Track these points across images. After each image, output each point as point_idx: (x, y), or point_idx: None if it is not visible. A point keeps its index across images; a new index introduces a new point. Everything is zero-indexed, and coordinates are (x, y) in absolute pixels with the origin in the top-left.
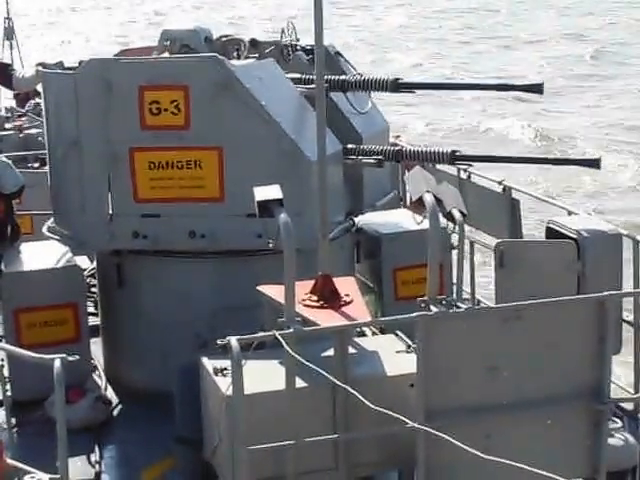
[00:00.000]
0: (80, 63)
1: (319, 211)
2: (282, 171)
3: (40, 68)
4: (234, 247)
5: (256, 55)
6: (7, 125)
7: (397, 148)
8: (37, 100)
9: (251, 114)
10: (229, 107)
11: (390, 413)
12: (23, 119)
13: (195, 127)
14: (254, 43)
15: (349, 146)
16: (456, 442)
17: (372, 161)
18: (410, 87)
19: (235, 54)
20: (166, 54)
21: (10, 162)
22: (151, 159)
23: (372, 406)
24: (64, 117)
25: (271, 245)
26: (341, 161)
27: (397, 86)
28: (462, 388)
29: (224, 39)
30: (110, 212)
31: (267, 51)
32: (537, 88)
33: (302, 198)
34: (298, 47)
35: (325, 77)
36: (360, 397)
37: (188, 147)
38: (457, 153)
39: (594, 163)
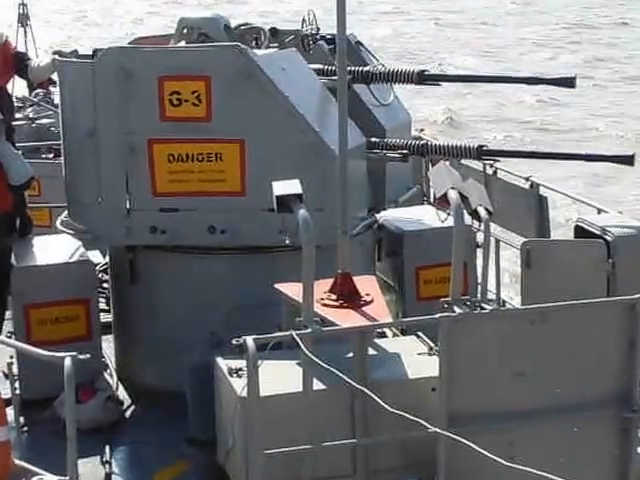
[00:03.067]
0: (94, 51)
1: (342, 206)
2: (305, 164)
3: (56, 57)
4: (255, 243)
5: (276, 45)
6: (17, 115)
7: (422, 142)
8: (52, 89)
9: (274, 105)
10: (252, 98)
11: (411, 417)
12: (29, 110)
13: (216, 119)
14: (274, 32)
15: (373, 139)
16: (479, 449)
17: (397, 155)
18: (436, 79)
19: (254, 43)
20: (182, 43)
21: (19, 153)
22: (170, 151)
23: (391, 409)
24: (80, 107)
25: (287, 242)
26: (364, 154)
27: (422, 78)
28: (486, 393)
29: (243, 28)
30: (127, 206)
31: (287, 40)
32: (569, 82)
33: (325, 192)
34: (318, 37)
35: (348, 68)
36: (379, 400)
37: (209, 139)
38: (484, 148)
39: (628, 160)
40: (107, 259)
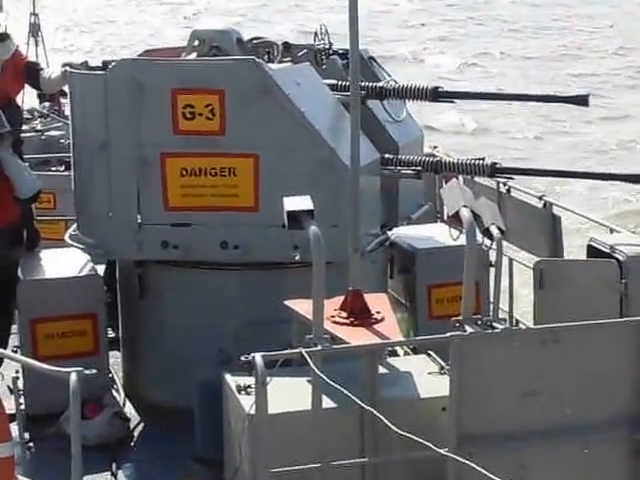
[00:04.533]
0: (104, 63)
1: (353, 222)
2: (320, 180)
3: (68, 68)
4: (268, 259)
5: (288, 59)
6: (25, 127)
7: (435, 159)
8: (62, 100)
9: (289, 120)
10: (267, 113)
11: (417, 439)
12: (37, 121)
13: (230, 133)
14: (287, 46)
15: (387, 156)
16: (488, 473)
17: (410, 172)
18: (450, 96)
19: (266, 57)
20: (194, 55)
21: (27, 165)
22: (183, 165)
23: (399, 431)
24: (92, 119)
25: (297, 258)
26: (379, 171)
27: (437, 95)
28: (497, 413)
29: (255, 41)
30: (139, 220)
31: (300, 55)
32: (582, 100)
33: (340, 209)
34: (331, 51)
35: (362, 84)
36: (386, 421)
37: (222, 154)
38: (497, 165)
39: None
40: (109, 272)
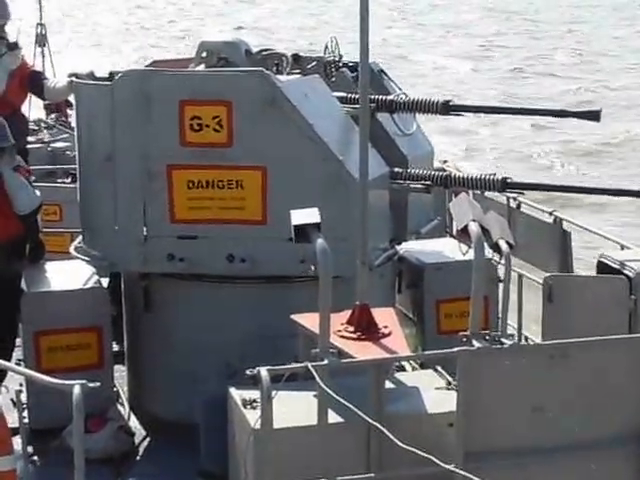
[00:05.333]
0: (110, 74)
1: (362, 236)
2: (328, 193)
3: (74, 79)
4: (276, 273)
5: (298, 71)
6: (30, 138)
7: (445, 173)
8: (68, 111)
9: (298, 133)
10: (275, 125)
11: (424, 455)
12: (44, 132)
13: (238, 145)
14: (296, 58)
15: (396, 170)
16: None
17: (419, 186)
18: (461, 110)
19: (275, 69)
20: (202, 67)
21: (26, 182)
22: (190, 178)
23: (404, 446)
24: (98, 131)
25: (312, 270)
26: (388, 184)
27: (447, 109)
28: (504, 428)
29: (264, 53)
30: (144, 233)
31: (309, 67)
32: (594, 115)
33: (348, 222)
34: (341, 64)
35: (372, 97)
36: (392, 437)
37: (230, 166)
38: (508, 180)
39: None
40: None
